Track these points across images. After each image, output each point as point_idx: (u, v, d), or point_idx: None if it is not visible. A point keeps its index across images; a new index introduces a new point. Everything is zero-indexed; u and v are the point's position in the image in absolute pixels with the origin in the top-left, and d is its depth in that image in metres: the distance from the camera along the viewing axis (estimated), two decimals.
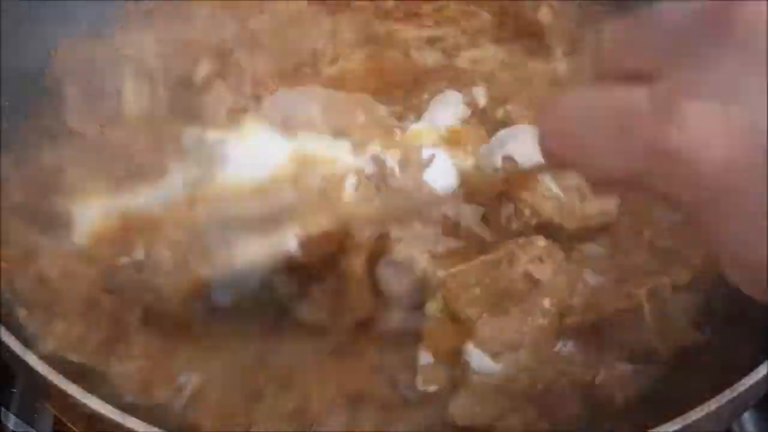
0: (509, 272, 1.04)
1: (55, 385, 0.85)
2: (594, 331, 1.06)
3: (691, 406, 0.85)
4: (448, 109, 1.24)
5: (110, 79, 1.23)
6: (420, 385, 1.04)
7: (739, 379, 0.86)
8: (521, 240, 1.08)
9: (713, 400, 0.85)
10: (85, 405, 0.84)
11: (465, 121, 1.22)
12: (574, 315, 1.06)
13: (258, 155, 1.05)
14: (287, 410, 1.03)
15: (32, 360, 0.87)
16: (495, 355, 1.03)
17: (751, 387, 0.86)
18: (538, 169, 1.06)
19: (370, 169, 1.12)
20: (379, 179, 1.12)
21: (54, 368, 0.87)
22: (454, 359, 1.04)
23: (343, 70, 1.31)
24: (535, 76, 1.28)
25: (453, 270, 1.08)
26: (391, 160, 1.12)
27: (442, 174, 1.15)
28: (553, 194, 1.09)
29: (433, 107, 1.25)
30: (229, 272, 1.00)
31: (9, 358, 0.90)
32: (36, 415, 1.19)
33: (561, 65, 1.28)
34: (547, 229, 1.09)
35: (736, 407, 0.91)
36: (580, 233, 1.10)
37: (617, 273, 1.10)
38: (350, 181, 1.12)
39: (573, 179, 1.10)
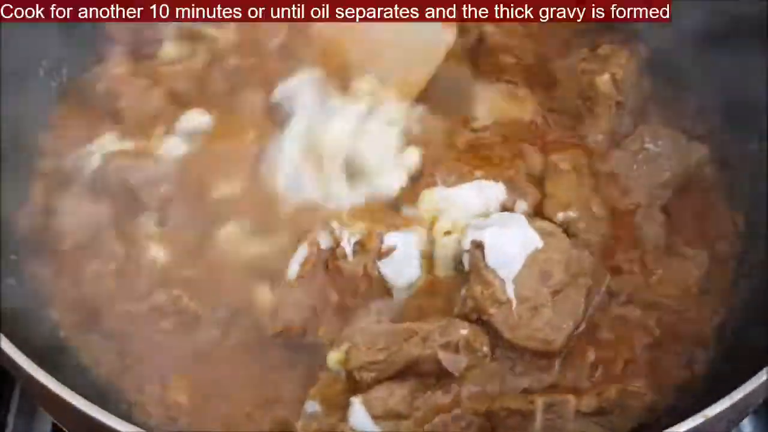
0: (419, 349, 1.00)
1: (54, 393, 0.85)
2: (483, 423, 1.01)
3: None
4: (481, 196, 1.15)
5: None
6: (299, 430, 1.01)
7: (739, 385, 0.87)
8: (444, 321, 1.02)
9: (713, 406, 0.85)
10: (82, 412, 0.84)
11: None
12: (473, 402, 1.01)
13: None
14: None
15: (31, 368, 0.87)
16: (378, 418, 0.99)
17: (751, 393, 0.87)
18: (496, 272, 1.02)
19: (324, 244, 1.08)
20: (329, 258, 1.08)
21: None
22: (341, 413, 1.01)
23: None
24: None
25: (364, 326, 1.05)
26: (348, 239, 1.07)
27: (404, 264, 1.08)
28: (505, 299, 1.02)
29: (470, 186, 1.16)
30: None
31: (9, 367, 0.91)
32: (35, 416, 1.20)
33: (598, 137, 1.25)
34: (485, 327, 1.03)
35: (738, 413, 0.91)
36: (516, 347, 1.03)
37: (533, 374, 1.04)
38: (300, 253, 1.08)
39: (533, 292, 1.03)
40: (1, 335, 0.89)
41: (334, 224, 1.09)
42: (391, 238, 1.08)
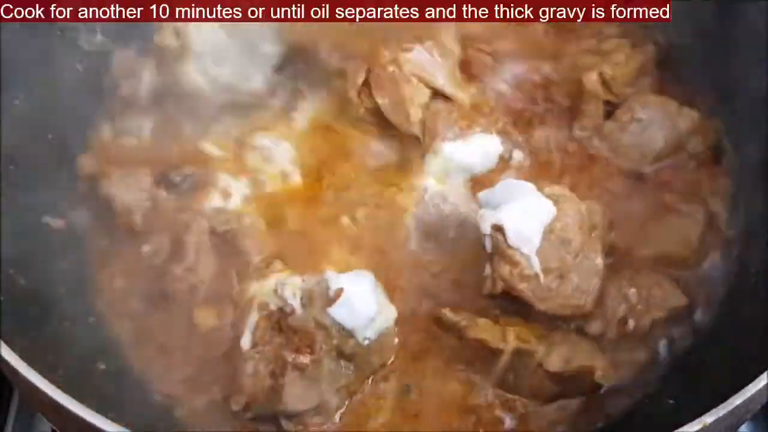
0: None
1: (52, 399, 0.86)
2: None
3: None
4: (480, 151, 1.21)
5: None
6: None
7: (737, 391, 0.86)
8: None
9: (711, 412, 0.85)
10: (81, 418, 0.84)
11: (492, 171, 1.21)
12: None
13: None
14: None
15: (31, 375, 0.87)
16: None
17: (749, 399, 0.86)
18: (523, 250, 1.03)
19: (273, 304, 1.03)
20: (280, 317, 1.02)
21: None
22: None
23: None
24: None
25: None
26: (293, 296, 1.03)
27: (356, 306, 1.02)
28: (532, 273, 1.04)
29: (469, 140, 1.22)
30: None
31: (8, 374, 0.91)
32: (34, 419, 1.20)
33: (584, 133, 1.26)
34: (517, 303, 1.06)
35: (736, 419, 0.91)
36: (551, 317, 1.06)
37: None
38: (252, 319, 1.03)
39: (557, 262, 1.05)
40: (1, 342, 0.89)
41: (275, 281, 1.05)
42: (335, 281, 1.04)
